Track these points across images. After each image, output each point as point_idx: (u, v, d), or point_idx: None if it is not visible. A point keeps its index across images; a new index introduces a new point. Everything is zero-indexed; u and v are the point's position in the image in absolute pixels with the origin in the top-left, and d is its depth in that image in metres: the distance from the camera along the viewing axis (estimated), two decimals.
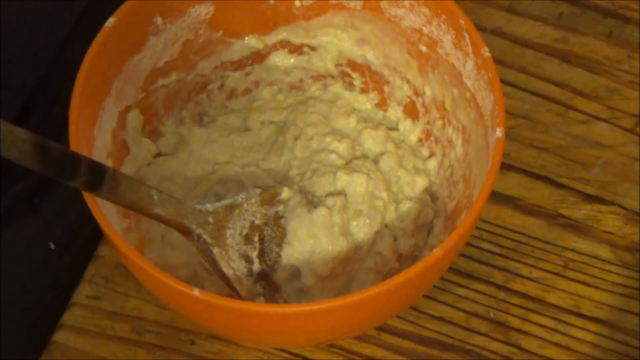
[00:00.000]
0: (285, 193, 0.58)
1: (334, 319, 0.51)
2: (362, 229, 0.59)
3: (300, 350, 0.60)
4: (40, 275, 0.64)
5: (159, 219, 0.53)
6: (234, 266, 0.55)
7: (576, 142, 0.67)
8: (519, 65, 0.70)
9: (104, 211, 0.51)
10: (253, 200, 0.57)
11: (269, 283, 0.57)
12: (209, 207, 0.55)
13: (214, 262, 0.55)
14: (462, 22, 0.56)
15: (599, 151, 0.67)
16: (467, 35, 0.56)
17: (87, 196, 0.51)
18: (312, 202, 0.59)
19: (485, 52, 0.55)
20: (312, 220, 0.58)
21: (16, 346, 0.61)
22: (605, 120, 0.68)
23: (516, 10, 0.72)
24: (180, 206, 0.53)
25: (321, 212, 0.58)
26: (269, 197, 0.58)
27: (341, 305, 0.49)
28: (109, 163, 0.57)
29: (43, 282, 0.64)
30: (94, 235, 0.63)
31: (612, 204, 0.65)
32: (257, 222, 0.57)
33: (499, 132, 0.53)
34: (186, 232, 0.54)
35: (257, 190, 0.57)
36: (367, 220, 0.59)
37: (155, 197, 0.52)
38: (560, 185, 0.66)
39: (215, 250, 0.54)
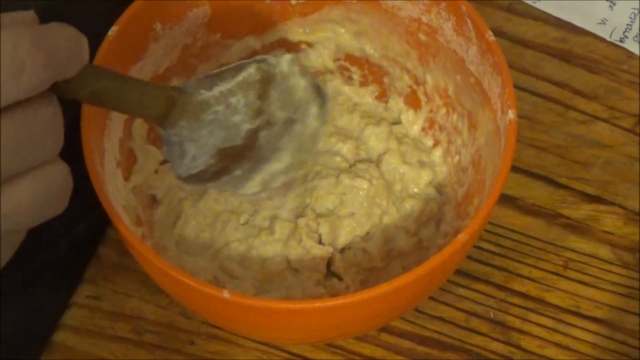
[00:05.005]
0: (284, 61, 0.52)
1: (373, 310, 0.51)
2: (344, 233, 0.60)
3: (300, 350, 0.60)
4: (40, 275, 0.64)
5: None
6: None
7: (576, 142, 0.67)
8: (519, 65, 0.70)
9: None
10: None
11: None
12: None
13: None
14: (463, 7, 0.56)
15: (598, 151, 0.67)
16: (469, 21, 0.56)
17: (108, 206, 0.51)
18: (302, 214, 0.60)
19: (490, 36, 0.55)
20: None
21: (16, 346, 0.61)
22: (605, 120, 0.68)
23: (516, 10, 0.72)
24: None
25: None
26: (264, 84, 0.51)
27: (394, 289, 0.49)
28: (118, 173, 0.57)
29: (43, 282, 0.64)
30: (94, 235, 0.63)
31: (612, 204, 0.65)
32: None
33: (511, 114, 0.53)
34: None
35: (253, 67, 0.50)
36: (354, 224, 0.60)
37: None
38: (560, 185, 0.66)
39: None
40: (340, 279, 0.60)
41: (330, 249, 0.59)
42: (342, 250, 0.60)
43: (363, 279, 0.59)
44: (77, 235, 0.65)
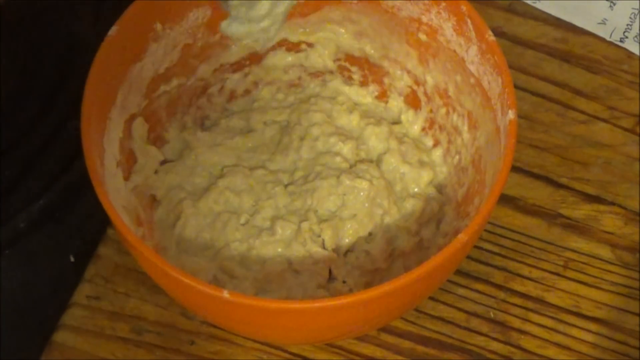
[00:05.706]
0: None
1: (373, 309, 0.51)
2: (347, 235, 0.59)
3: (300, 350, 0.60)
4: (40, 275, 0.64)
5: None
6: None
7: (576, 142, 0.67)
8: (519, 65, 0.70)
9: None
10: None
11: None
12: None
13: None
14: (463, 7, 0.57)
15: (599, 151, 0.67)
16: (469, 21, 0.56)
17: (108, 206, 0.51)
18: (305, 218, 0.60)
19: (490, 37, 0.55)
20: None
21: (16, 346, 0.62)
22: (605, 120, 0.68)
23: (516, 10, 0.72)
24: None
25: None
26: None
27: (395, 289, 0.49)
28: (118, 173, 0.57)
29: (43, 282, 0.64)
30: (94, 236, 0.63)
31: (612, 204, 0.65)
32: None
33: (511, 114, 0.53)
34: None
35: None
36: (357, 226, 0.59)
37: None
38: (560, 185, 0.66)
39: None
40: (343, 281, 0.60)
41: (334, 255, 0.59)
42: (346, 254, 0.60)
43: (367, 281, 0.59)
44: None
